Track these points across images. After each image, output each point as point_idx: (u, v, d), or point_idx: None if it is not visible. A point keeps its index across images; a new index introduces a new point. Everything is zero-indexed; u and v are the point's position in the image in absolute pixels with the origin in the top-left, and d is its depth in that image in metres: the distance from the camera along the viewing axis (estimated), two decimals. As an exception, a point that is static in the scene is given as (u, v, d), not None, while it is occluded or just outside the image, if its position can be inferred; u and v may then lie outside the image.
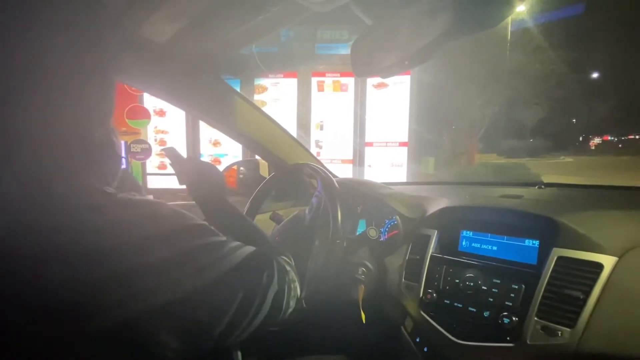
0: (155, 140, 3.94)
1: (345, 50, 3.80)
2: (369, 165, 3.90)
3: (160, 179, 3.97)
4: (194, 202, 0.74)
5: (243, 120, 1.10)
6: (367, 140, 3.87)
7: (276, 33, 3.83)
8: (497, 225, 0.82)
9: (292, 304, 0.58)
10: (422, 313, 0.82)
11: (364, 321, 0.88)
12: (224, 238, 0.48)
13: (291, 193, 1.33)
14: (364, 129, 3.85)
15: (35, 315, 0.34)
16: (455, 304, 0.78)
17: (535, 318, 0.67)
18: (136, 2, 0.69)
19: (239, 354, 0.59)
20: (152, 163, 3.92)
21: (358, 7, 0.62)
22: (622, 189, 1.05)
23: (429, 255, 0.86)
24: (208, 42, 0.86)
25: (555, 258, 0.69)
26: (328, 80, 3.88)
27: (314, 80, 3.89)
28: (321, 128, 3.95)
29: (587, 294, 0.63)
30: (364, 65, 0.70)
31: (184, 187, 0.75)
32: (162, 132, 3.97)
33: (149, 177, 4.00)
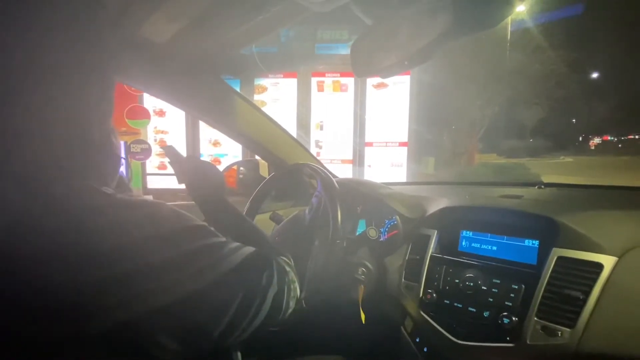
0: (155, 140, 3.95)
1: (345, 51, 3.80)
2: (369, 166, 3.90)
3: (160, 179, 3.97)
4: (193, 202, 0.74)
5: (243, 121, 1.10)
6: (367, 140, 3.87)
7: (276, 33, 3.84)
8: (497, 225, 0.82)
9: (292, 304, 0.58)
10: (422, 313, 0.82)
11: (363, 321, 0.88)
12: (224, 239, 0.48)
13: (291, 193, 1.33)
14: (364, 129, 3.85)
15: (36, 315, 0.34)
16: (455, 304, 0.78)
17: (535, 318, 0.67)
18: (136, 2, 0.69)
19: (239, 354, 0.59)
20: (152, 163, 3.92)
21: (358, 7, 0.62)
22: (622, 189, 1.05)
23: (429, 255, 0.86)
24: (208, 42, 0.86)
25: (555, 258, 0.69)
26: (328, 80, 3.88)
27: (314, 81, 3.89)
28: (321, 128, 3.95)
29: (587, 294, 0.63)
30: (363, 65, 0.70)
31: (183, 187, 0.75)
32: (162, 132, 3.97)
33: (148, 177, 4.00)
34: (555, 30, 8.53)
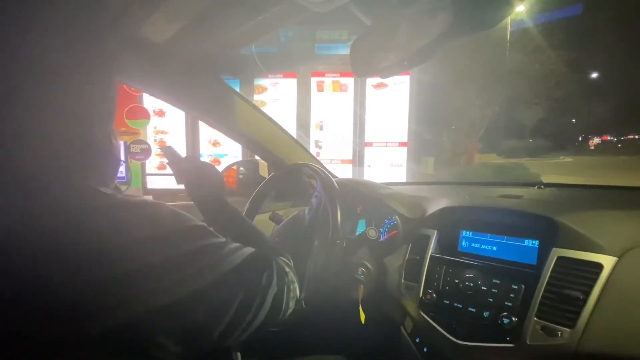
0: (155, 140, 3.94)
1: (345, 51, 3.80)
2: (369, 166, 3.89)
3: (160, 179, 3.96)
4: (192, 202, 0.74)
5: (243, 121, 1.10)
6: (366, 140, 3.86)
7: (275, 33, 3.84)
8: (496, 225, 0.82)
9: (292, 304, 0.58)
10: (422, 313, 0.82)
11: (363, 322, 0.87)
12: (223, 239, 0.48)
13: (291, 193, 1.33)
14: (364, 129, 3.85)
15: (36, 315, 0.34)
16: (455, 304, 0.78)
17: (535, 318, 0.67)
18: (136, 2, 0.68)
19: (239, 354, 0.59)
20: (151, 163, 3.91)
21: (357, 8, 0.62)
22: (621, 189, 1.05)
23: (429, 255, 0.86)
24: (207, 42, 0.86)
25: (555, 258, 0.69)
26: (327, 81, 3.87)
27: (314, 81, 3.89)
28: (321, 128, 3.95)
29: (587, 294, 0.63)
30: (363, 65, 0.70)
31: (183, 187, 0.74)
32: (162, 132, 3.97)
33: (148, 178, 4.00)
34: (555, 30, 8.54)
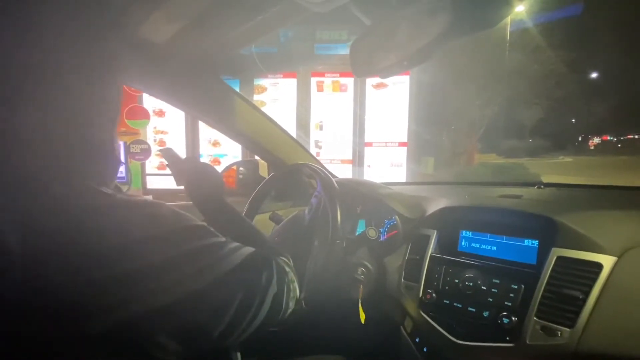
0: (155, 140, 3.94)
1: (345, 51, 3.80)
2: (369, 166, 3.89)
3: (160, 179, 3.96)
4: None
5: (242, 121, 1.10)
6: (366, 140, 3.86)
7: (275, 33, 3.83)
8: (496, 225, 0.82)
9: (292, 304, 0.58)
10: (422, 313, 0.82)
11: (362, 321, 0.88)
12: (223, 239, 0.48)
13: (290, 193, 1.33)
14: (364, 129, 3.85)
15: (36, 315, 0.34)
16: (455, 304, 0.78)
17: (535, 318, 0.67)
18: (136, 2, 0.68)
19: (239, 354, 0.59)
20: (151, 163, 3.91)
21: (357, 8, 0.62)
22: (621, 189, 1.05)
23: (429, 255, 0.86)
24: (207, 42, 0.86)
25: (555, 258, 0.69)
26: (327, 81, 3.87)
27: (313, 81, 3.89)
28: (320, 128, 3.95)
29: (587, 293, 0.63)
30: (363, 65, 0.70)
31: (182, 187, 0.74)
32: (162, 132, 3.96)
33: (148, 178, 4.00)
34: (555, 30, 8.54)
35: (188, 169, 0.73)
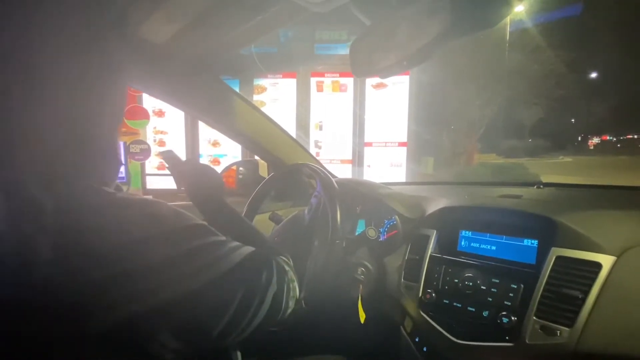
0: (155, 140, 3.94)
1: (344, 51, 3.80)
2: (368, 166, 3.90)
3: (160, 179, 3.97)
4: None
5: (242, 121, 1.10)
6: (366, 140, 3.87)
7: (275, 33, 3.84)
8: (496, 225, 0.82)
9: (291, 304, 0.58)
10: (422, 313, 0.82)
11: (362, 321, 0.88)
12: (224, 238, 0.48)
13: (290, 193, 1.33)
14: (363, 129, 3.85)
15: (36, 314, 0.34)
16: (455, 304, 0.78)
17: (534, 317, 0.67)
18: (136, 2, 0.69)
19: (239, 354, 0.59)
20: (151, 164, 3.91)
21: (357, 8, 0.62)
22: (620, 189, 1.05)
23: (428, 255, 0.86)
24: (207, 42, 0.86)
25: (554, 258, 0.69)
26: (327, 81, 3.88)
27: (313, 81, 3.89)
28: (320, 128, 3.95)
29: (586, 293, 0.63)
30: (363, 65, 0.70)
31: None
32: (161, 132, 3.97)
33: (148, 178, 4.00)
34: (554, 30, 8.53)
35: (188, 170, 0.73)
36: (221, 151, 4.03)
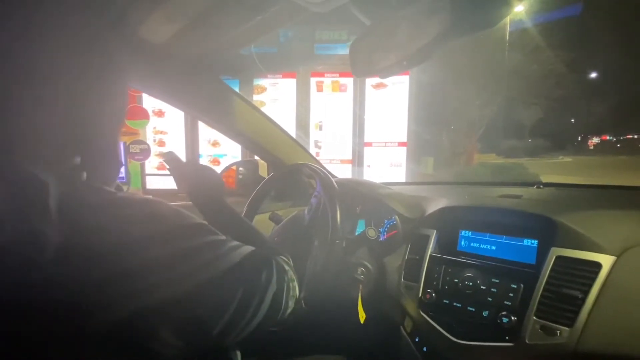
0: (154, 140, 3.94)
1: (344, 51, 3.80)
2: (368, 166, 3.90)
3: (159, 179, 3.96)
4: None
5: (242, 121, 1.10)
6: (366, 140, 3.87)
7: (275, 33, 3.84)
8: (496, 225, 0.82)
9: (291, 303, 0.58)
10: (422, 313, 0.82)
11: (362, 321, 0.88)
12: (223, 237, 0.48)
13: (290, 193, 1.33)
14: (363, 129, 3.85)
15: (36, 314, 0.34)
16: (455, 304, 0.78)
17: (534, 317, 0.67)
18: (136, 2, 0.69)
19: (239, 354, 0.59)
20: (151, 164, 3.91)
21: (357, 8, 0.62)
22: (620, 189, 1.05)
23: (428, 255, 0.86)
24: (207, 42, 0.86)
25: (554, 257, 0.69)
26: (327, 81, 3.88)
27: (313, 81, 3.89)
28: (320, 128, 3.95)
29: (586, 293, 0.63)
30: (363, 65, 0.70)
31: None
32: (161, 132, 3.96)
33: (147, 178, 3.99)
34: (554, 30, 8.53)
35: (189, 172, 0.74)
36: (221, 151, 4.02)
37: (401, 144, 3.82)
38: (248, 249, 0.51)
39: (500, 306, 0.73)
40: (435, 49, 0.57)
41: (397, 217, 0.97)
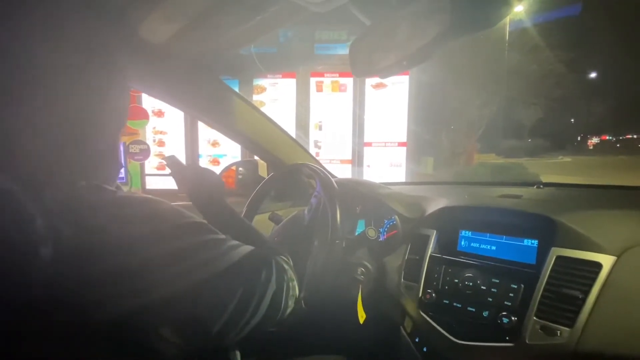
0: (154, 140, 3.93)
1: (344, 51, 3.80)
2: (368, 166, 3.90)
3: (159, 179, 3.96)
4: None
5: (242, 121, 1.10)
6: (365, 140, 3.87)
7: (275, 33, 3.84)
8: (496, 225, 0.82)
9: (291, 303, 0.58)
10: (422, 313, 0.82)
11: (361, 321, 0.87)
12: (223, 236, 0.49)
13: (290, 193, 1.33)
14: (363, 129, 3.85)
15: (37, 313, 0.34)
16: (455, 304, 0.78)
17: (534, 318, 0.67)
18: (135, 2, 0.68)
19: (238, 354, 0.59)
20: (150, 164, 3.91)
21: (356, 8, 0.62)
22: (620, 189, 1.05)
23: (428, 255, 0.86)
24: (206, 42, 0.86)
25: (554, 258, 0.69)
26: (327, 81, 3.87)
27: (313, 81, 3.89)
28: (320, 128, 3.95)
29: (586, 293, 0.63)
30: (362, 65, 0.70)
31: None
32: (161, 132, 3.96)
33: (147, 178, 3.99)
34: (554, 30, 8.54)
35: (190, 174, 0.75)
36: (221, 151, 4.02)
37: (401, 144, 3.82)
38: (247, 248, 0.51)
39: (500, 306, 0.72)
40: (435, 49, 0.57)
41: (397, 217, 0.97)
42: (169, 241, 0.41)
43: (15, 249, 0.34)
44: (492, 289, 0.75)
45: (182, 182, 0.76)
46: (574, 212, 0.75)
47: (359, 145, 3.88)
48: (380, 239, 1.00)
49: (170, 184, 0.79)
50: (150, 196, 0.44)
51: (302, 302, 0.79)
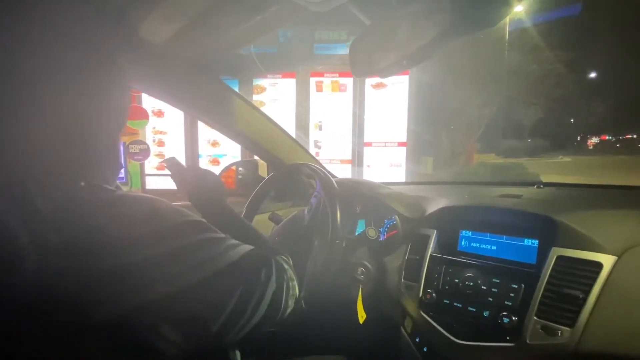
0: (154, 140, 3.93)
1: (344, 51, 3.80)
2: (368, 166, 3.90)
3: (159, 179, 3.96)
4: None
5: (242, 121, 1.10)
6: (365, 140, 3.86)
7: (274, 33, 3.83)
8: (496, 224, 0.82)
9: (291, 303, 0.58)
10: (422, 313, 0.82)
11: (361, 321, 0.87)
12: (222, 235, 0.49)
13: (290, 193, 1.33)
14: (363, 129, 3.85)
15: (36, 310, 0.34)
16: (455, 304, 0.78)
17: (535, 317, 0.67)
18: (135, 2, 0.68)
19: (238, 354, 0.59)
20: (150, 164, 3.91)
21: (356, 7, 0.62)
22: (620, 189, 1.05)
23: (428, 255, 0.86)
24: (206, 42, 0.86)
25: (555, 257, 0.69)
26: (327, 81, 3.87)
27: (313, 81, 3.89)
28: (320, 128, 3.95)
29: (587, 293, 0.63)
30: (362, 65, 0.70)
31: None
32: (161, 132, 3.96)
33: (147, 178, 3.99)
34: (553, 30, 8.55)
35: (190, 176, 0.75)
36: (221, 151, 4.02)
37: (401, 144, 3.82)
38: (247, 247, 0.51)
39: (500, 306, 0.72)
40: (435, 48, 0.57)
41: (397, 217, 0.97)
42: (169, 240, 0.41)
43: (15, 249, 0.34)
44: (493, 289, 0.75)
45: (182, 184, 0.76)
46: (574, 212, 0.75)
47: (358, 145, 3.88)
48: (381, 239, 1.00)
49: (170, 184, 0.79)
50: (149, 195, 0.44)
51: (302, 302, 0.79)
